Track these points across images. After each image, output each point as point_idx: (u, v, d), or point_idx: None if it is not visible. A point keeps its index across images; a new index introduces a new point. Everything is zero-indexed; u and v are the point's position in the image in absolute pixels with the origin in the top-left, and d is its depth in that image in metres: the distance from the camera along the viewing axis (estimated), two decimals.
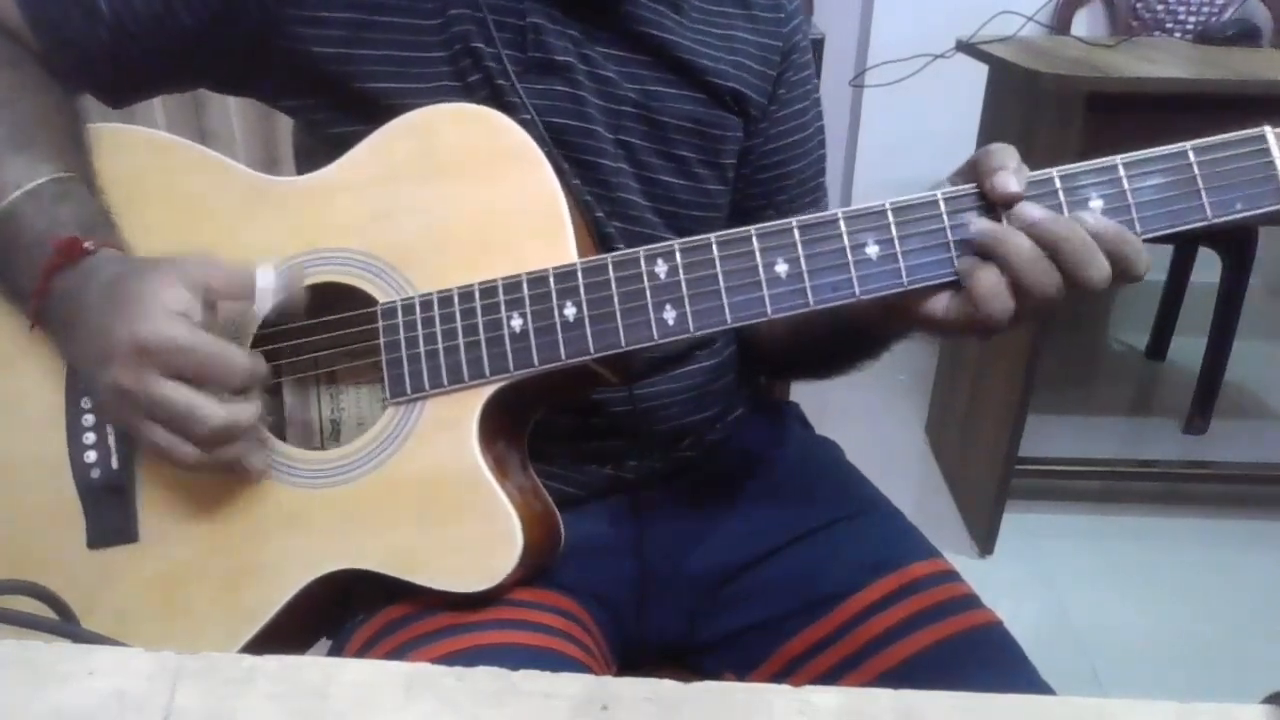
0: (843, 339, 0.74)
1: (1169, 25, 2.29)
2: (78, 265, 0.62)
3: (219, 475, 0.65)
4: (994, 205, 0.57)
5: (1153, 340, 2.60)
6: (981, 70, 1.85)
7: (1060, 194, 0.57)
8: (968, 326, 0.59)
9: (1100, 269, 0.56)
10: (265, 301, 0.62)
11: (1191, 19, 2.27)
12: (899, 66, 1.95)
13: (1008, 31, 1.89)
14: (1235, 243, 2.12)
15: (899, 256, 0.59)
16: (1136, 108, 1.49)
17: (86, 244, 0.63)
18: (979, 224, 0.57)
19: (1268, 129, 0.56)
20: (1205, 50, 1.86)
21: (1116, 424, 2.40)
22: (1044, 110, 1.60)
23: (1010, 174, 0.56)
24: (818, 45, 1.38)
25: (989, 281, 0.56)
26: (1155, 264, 0.57)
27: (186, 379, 0.59)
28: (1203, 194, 0.56)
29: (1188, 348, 2.42)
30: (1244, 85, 1.51)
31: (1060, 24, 2.29)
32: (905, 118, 2.39)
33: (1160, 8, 2.29)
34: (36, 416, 0.68)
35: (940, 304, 0.60)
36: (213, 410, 0.59)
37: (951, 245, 0.58)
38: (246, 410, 0.61)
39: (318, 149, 0.73)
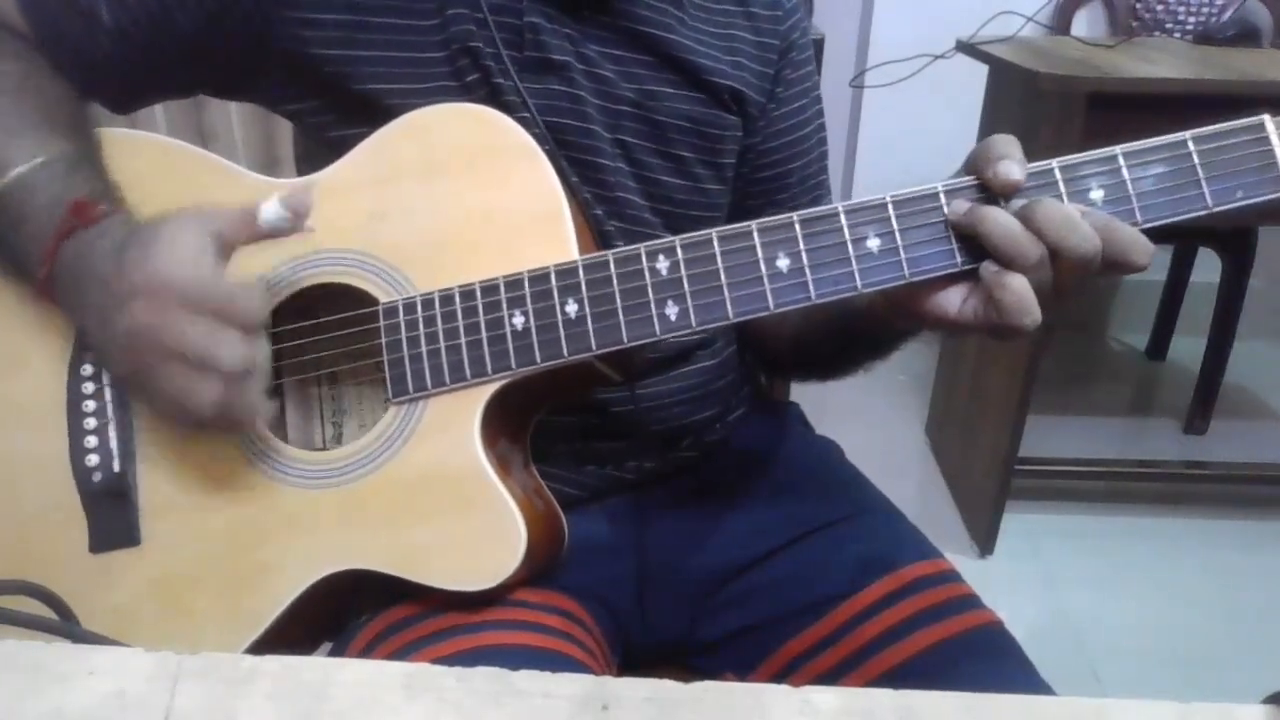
0: (850, 338, 0.74)
1: (1169, 25, 2.29)
2: (90, 228, 0.62)
3: (218, 440, 0.65)
4: (996, 195, 0.57)
5: (1153, 340, 2.60)
6: (981, 70, 1.85)
7: (1061, 184, 0.57)
8: (986, 329, 0.58)
9: (1085, 239, 0.54)
10: (279, 230, 0.60)
11: (1191, 19, 2.27)
12: (899, 67, 1.95)
13: (1008, 32, 1.89)
14: (1235, 242, 2.12)
15: (900, 249, 0.58)
16: (1136, 108, 1.49)
17: (101, 206, 0.62)
18: (956, 204, 0.57)
19: (1267, 117, 0.56)
20: (1205, 50, 1.85)
21: (1116, 424, 2.40)
22: (1044, 110, 1.60)
23: (1014, 162, 0.56)
24: (818, 45, 1.38)
25: (1016, 288, 0.55)
26: (1155, 263, 0.56)
27: (206, 316, 0.57)
28: (1203, 183, 0.56)
29: (1188, 348, 2.42)
30: (1244, 85, 1.51)
31: (1060, 24, 2.29)
32: (905, 118, 2.39)
33: (1160, 8, 2.29)
34: (38, 419, 0.68)
35: (953, 301, 0.59)
36: (238, 343, 0.58)
37: (953, 237, 0.58)
38: (263, 349, 0.60)
39: (318, 152, 0.73)
